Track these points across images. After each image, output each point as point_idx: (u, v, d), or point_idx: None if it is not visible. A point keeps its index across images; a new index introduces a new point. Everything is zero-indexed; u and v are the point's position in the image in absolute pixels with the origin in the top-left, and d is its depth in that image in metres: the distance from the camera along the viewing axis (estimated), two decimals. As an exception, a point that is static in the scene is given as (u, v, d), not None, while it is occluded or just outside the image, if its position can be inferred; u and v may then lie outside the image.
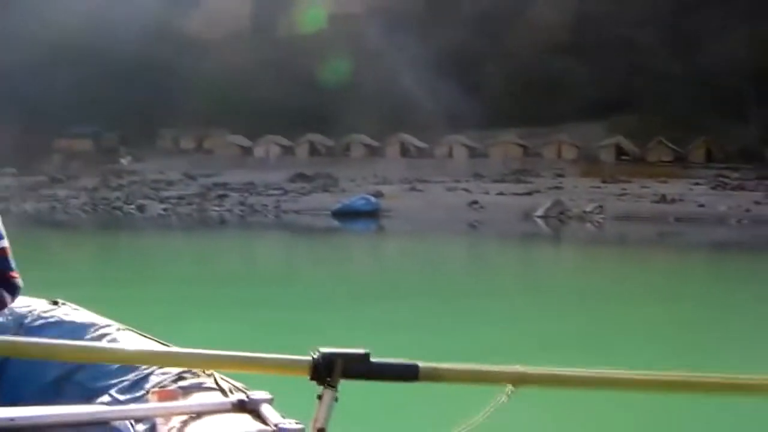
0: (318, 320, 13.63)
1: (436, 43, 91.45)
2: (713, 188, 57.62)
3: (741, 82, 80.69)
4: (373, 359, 2.05)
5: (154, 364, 2.87)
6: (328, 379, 2.01)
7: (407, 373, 2.08)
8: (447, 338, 12.26)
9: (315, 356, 2.03)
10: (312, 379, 2.03)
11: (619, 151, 76.68)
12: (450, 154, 78.79)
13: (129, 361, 2.88)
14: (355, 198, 51.30)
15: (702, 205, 49.79)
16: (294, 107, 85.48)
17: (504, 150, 77.94)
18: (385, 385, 2.11)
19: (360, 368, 2.04)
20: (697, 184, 59.98)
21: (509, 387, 2.10)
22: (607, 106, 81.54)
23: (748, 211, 47.80)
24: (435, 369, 2.10)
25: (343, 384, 2.02)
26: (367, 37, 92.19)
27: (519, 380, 2.13)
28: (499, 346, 11.59)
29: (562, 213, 48.54)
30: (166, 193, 62.61)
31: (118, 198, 62.20)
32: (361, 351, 2.06)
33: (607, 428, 7.92)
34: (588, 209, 48.95)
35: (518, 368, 2.15)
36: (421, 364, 2.08)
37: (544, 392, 2.32)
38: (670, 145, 75.31)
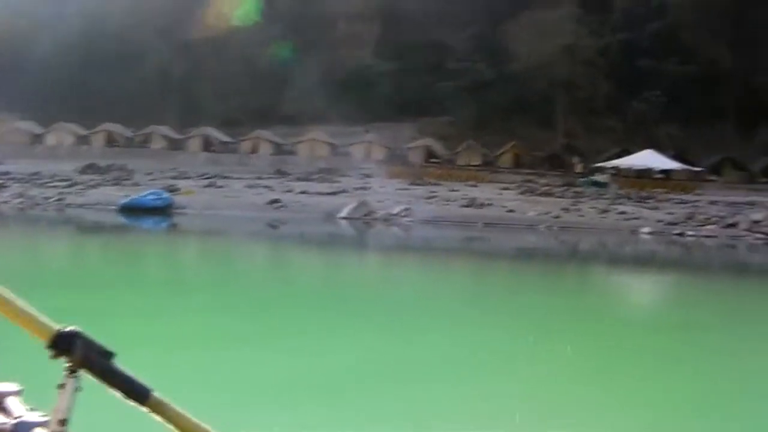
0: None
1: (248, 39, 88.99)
2: (522, 193, 56.81)
3: (550, 91, 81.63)
4: (115, 363, 1.95)
5: None
6: (67, 361, 1.88)
7: (137, 394, 1.96)
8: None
9: (61, 327, 1.91)
10: (51, 347, 1.88)
11: (429, 154, 75.68)
12: (255, 150, 75.91)
13: None
14: (145, 193, 47.19)
15: (511, 211, 48.48)
16: (92, 94, 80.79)
17: (311, 147, 75.65)
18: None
19: (99, 364, 1.92)
20: (506, 188, 59.13)
21: None
22: (418, 108, 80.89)
23: (557, 217, 46.77)
24: (164, 405, 1.99)
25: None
26: (179, 27, 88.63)
27: None
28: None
29: (367, 215, 46.10)
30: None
31: None
32: (106, 348, 1.94)
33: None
34: (395, 211, 46.73)
35: None
36: (154, 393, 1.97)
37: None
38: (479, 148, 75.00)
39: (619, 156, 70.18)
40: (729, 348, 15.00)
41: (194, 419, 2.05)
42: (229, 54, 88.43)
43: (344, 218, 45.60)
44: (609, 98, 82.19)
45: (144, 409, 1.97)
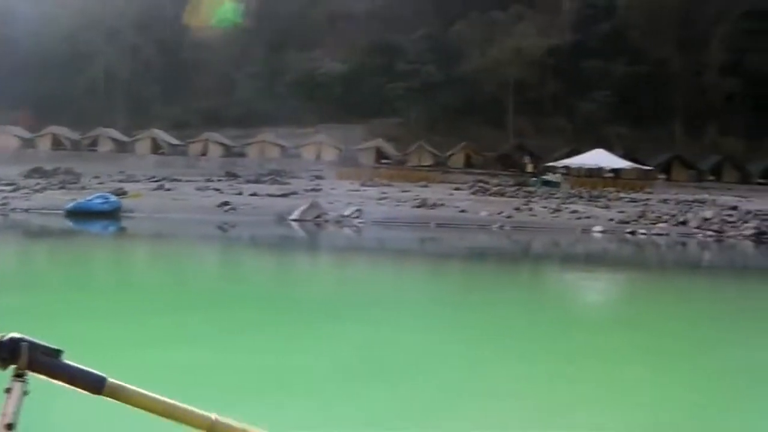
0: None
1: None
2: (474, 193, 56.60)
3: (500, 91, 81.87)
4: (65, 360, 1.98)
5: None
6: (14, 366, 1.92)
7: (93, 384, 1.99)
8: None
9: (1, 336, 1.94)
10: None
11: (379, 155, 75.45)
12: (204, 152, 75.11)
13: None
14: (93, 196, 46.15)
15: (464, 211, 48.30)
16: (38, 97, 79.46)
17: (261, 149, 75.04)
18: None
19: (48, 363, 1.95)
20: (457, 189, 58.98)
21: None
22: (368, 109, 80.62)
23: (509, 217, 46.66)
24: (122, 389, 2.03)
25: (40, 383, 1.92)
26: (122, 30, 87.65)
27: (212, 429, 2.08)
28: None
29: (319, 216, 45.63)
30: None
31: None
32: (53, 346, 1.97)
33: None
34: (346, 213, 46.34)
35: (214, 416, 2.08)
36: (109, 379, 2.01)
37: None
38: (430, 149, 74.88)
39: (569, 155, 70.51)
40: (679, 344, 14.89)
41: (155, 395, 2.05)
42: (178, 56, 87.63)
43: (295, 220, 45.11)
44: (558, 98, 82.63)
45: (103, 397, 1.97)
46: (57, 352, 1.95)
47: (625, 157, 69.66)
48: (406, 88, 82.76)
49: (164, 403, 2.07)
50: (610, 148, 70.69)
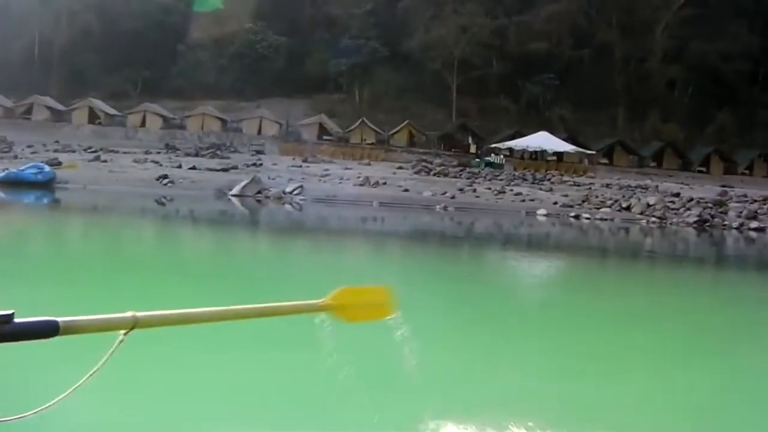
0: None
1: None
2: (417, 173, 56.16)
3: (445, 70, 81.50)
4: (16, 320, 2.03)
5: None
6: None
7: (49, 330, 2.10)
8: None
9: None
10: None
11: (322, 130, 74.64)
12: (143, 124, 73.62)
13: None
14: (26, 166, 44.80)
15: (406, 190, 47.82)
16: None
17: (201, 122, 73.77)
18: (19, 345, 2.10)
19: (5, 332, 2.01)
20: (400, 168, 58.53)
21: (122, 332, 2.29)
22: (311, 84, 79.85)
23: (453, 198, 46.31)
24: (74, 322, 2.16)
25: None
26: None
27: (134, 325, 2.32)
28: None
29: (259, 192, 44.81)
30: None
31: None
32: (3, 313, 2.01)
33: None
34: (288, 189, 45.57)
35: (131, 314, 2.32)
36: (60, 319, 2.12)
37: (158, 332, 2.48)
38: (373, 126, 74.30)
39: (512, 137, 70.38)
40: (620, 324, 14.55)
41: (106, 315, 2.18)
42: (118, 23, 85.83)
43: (236, 195, 44.27)
44: (503, 79, 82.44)
45: (61, 336, 2.06)
46: (9, 317, 1.96)
47: (567, 140, 69.70)
48: (349, 64, 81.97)
49: (101, 319, 2.19)
50: (553, 131, 70.71)
